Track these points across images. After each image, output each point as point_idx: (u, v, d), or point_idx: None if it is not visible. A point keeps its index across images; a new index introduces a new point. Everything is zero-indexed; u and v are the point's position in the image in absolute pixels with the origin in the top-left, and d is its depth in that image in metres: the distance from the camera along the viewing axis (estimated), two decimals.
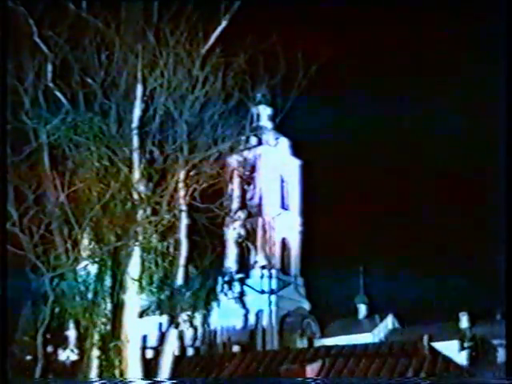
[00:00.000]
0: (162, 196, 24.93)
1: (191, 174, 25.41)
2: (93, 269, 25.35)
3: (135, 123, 25.13)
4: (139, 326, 25.06)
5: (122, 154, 24.86)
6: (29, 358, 35.47)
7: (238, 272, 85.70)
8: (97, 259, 25.05)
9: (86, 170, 25.12)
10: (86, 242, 25.16)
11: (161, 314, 26.82)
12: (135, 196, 24.67)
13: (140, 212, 24.55)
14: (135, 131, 25.02)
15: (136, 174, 24.79)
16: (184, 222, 25.50)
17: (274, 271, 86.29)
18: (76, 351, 30.05)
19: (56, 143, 25.48)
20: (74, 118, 25.16)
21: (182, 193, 25.35)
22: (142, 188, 24.77)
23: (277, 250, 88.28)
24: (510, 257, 19.32)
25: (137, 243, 24.38)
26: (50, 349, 35.39)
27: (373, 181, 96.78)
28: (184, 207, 25.33)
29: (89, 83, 25.38)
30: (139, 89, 25.33)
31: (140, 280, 24.55)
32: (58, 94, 25.25)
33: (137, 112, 25.29)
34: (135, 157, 24.93)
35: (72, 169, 25.36)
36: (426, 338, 39.81)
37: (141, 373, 24.53)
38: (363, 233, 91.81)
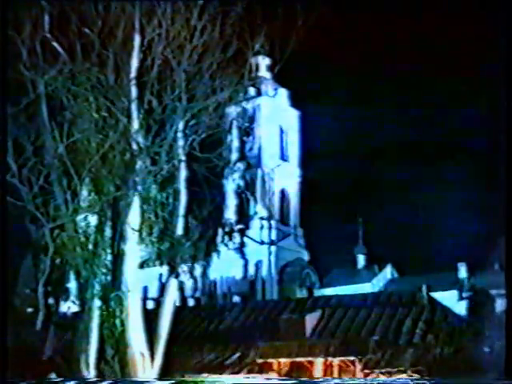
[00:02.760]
0: (161, 146, 24.91)
1: (190, 124, 25.38)
2: (93, 220, 25.41)
3: (133, 73, 25.02)
4: (140, 277, 25.21)
5: (120, 105, 24.78)
6: (30, 310, 35.67)
7: (237, 223, 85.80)
8: (96, 210, 25.10)
9: (85, 121, 25.05)
10: (85, 193, 25.19)
11: (161, 264, 26.94)
12: (134, 146, 24.65)
13: (139, 162, 24.55)
14: (133, 81, 24.92)
15: (135, 125, 24.74)
16: (183, 172, 25.51)
17: (273, 222, 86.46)
18: (77, 302, 30.18)
19: (54, 94, 25.37)
20: (72, 69, 25.01)
21: (180, 143, 25.32)
22: (140, 138, 24.74)
23: (276, 200, 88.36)
24: (509, 208, 19.32)
25: (136, 193, 24.42)
26: (51, 301, 35.56)
27: (373, 129, 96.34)
28: (183, 157, 25.33)
29: (86, 33, 25.18)
30: (137, 39, 25.17)
31: (140, 230, 24.63)
32: (56, 44, 25.05)
33: (135, 62, 25.17)
34: (133, 107, 24.86)
35: (70, 120, 25.29)
36: (424, 287, 39.95)
37: (142, 323, 24.71)
38: (363, 183, 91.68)
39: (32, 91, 25.08)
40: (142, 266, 25.56)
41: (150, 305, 35.18)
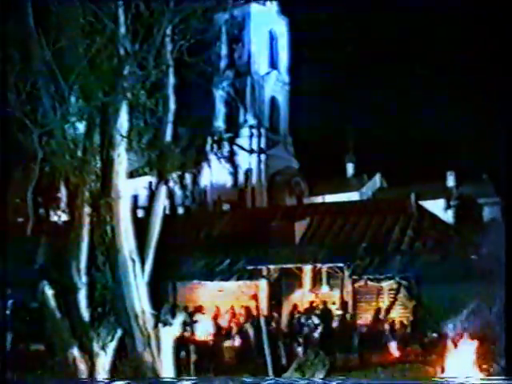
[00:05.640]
0: (149, 51, 24.56)
1: (178, 28, 24.96)
2: (81, 126, 25.24)
3: None
4: (129, 185, 25.15)
5: (107, 9, 24.30)
6: (20, 219, 35.67)
7: (227, 131, 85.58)
8: (85, 116, 24.90)
9: (71, 27, 24.61)
10: (73, 99, 24.94)
11: (151, 170, 26.85)
12: (121, 51, 24.29)
13: (127, 68, 24.22)
14: None
15: (122, 29, 24.32)
16: (172, 78, 25.24)
17: (262, 130, 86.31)
18: (67, 211, 30.21)
19: None
20: None
21: (169, 48, 24.98)
22: (128, 43, 24.36)
23: (266, 108, 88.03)
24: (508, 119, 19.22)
25: (125, 99, 24.18)
26: (41, 211, 35.58)
27: (364, 35, 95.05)
28: (171, 62, 25.02)
29: None
30: None
31: (129, 137, 24.48)
32: None
33: None
34: (120, 11, 24.40)
35: (56, 25, 24.83)
36: (413, 195, 40.19)
37: (132, 229, 24.77)
38: (352, 91, 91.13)
39: None
40: (131, 175, 25.50)
41: (140, 214, 35.24)
